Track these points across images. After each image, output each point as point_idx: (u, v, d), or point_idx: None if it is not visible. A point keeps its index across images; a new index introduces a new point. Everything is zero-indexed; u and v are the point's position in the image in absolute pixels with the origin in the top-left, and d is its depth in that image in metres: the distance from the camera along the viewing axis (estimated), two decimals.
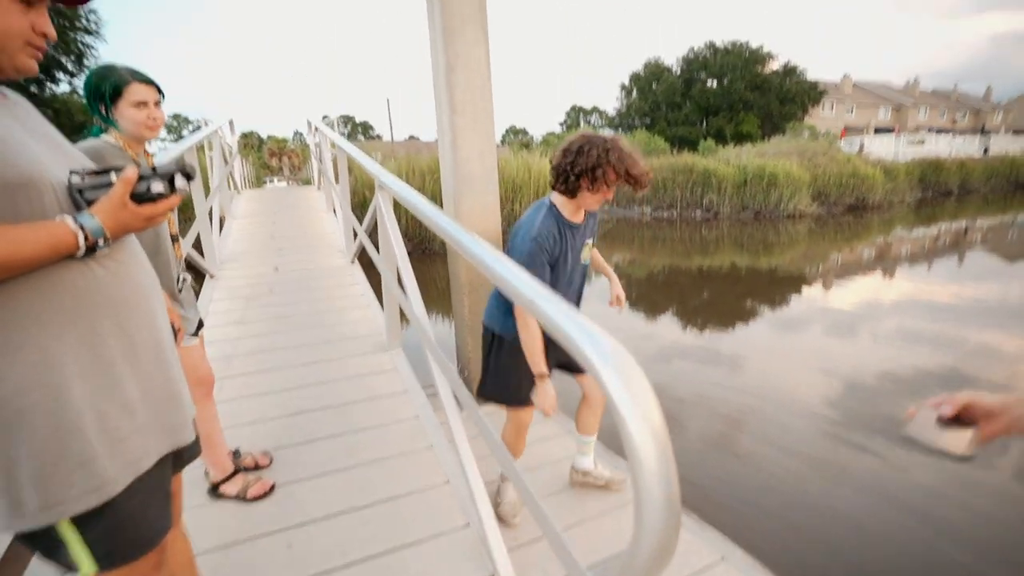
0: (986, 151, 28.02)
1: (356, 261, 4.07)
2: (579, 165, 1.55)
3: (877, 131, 38.15)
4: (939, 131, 38.54)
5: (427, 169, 10.99)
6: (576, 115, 54.36)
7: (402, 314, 2.63)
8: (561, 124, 54.59)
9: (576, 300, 1.86)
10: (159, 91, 1.52)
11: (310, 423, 2.10)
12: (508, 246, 1.69)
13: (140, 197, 0.82)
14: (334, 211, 5.28)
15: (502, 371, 1.83)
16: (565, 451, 2.53)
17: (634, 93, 37.06)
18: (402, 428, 2.10)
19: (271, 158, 35.34)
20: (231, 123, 6.52)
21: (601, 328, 0.79)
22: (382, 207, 2.40)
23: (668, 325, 6.07)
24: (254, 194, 7.36)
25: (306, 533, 1.60)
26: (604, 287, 2.04)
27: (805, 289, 7.93)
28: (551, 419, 2.88)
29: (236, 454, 1.84)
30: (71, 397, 0.77)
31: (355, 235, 4.10)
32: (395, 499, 1.73)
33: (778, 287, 8.10)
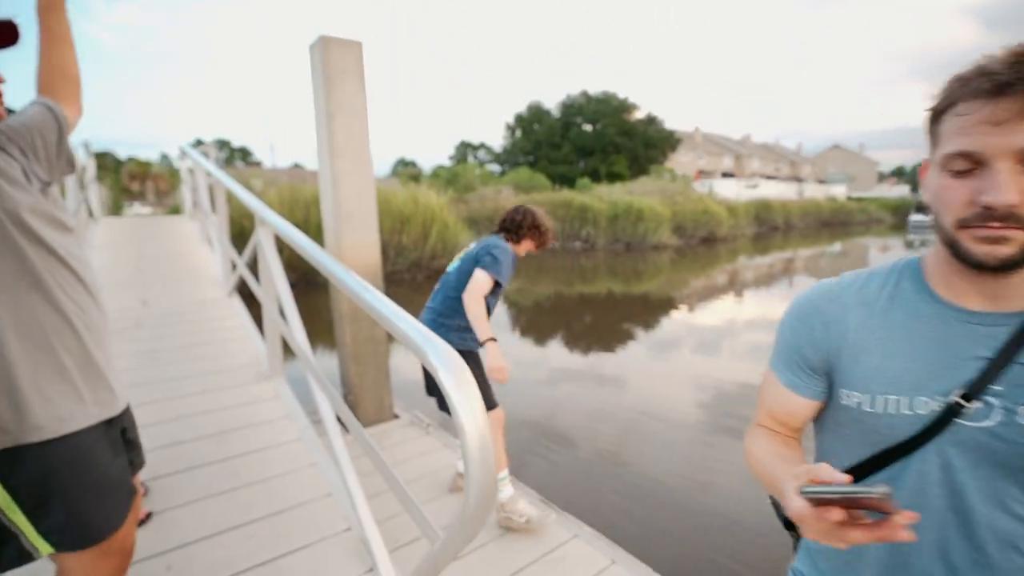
0: (800, 195, 33.75)
1: (235, 293, 3.96)
2: (528, 222, 2.20)
3: (723, 175, 44.18)
4: (768, 178, 45.60)
5: (312, 199, 10.72)
6: (464, 150, 55.69)
7: (286, 347, 2.71)
8: (451, 158, 55.52)
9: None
10: None
11: (187, 452, 2.11)
12: (486, 250, 2.12)
13: None
14: (209, 242, 5.06)
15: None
16: (443, 462, 2.76)
17: (518, 132, 39.05)
18: (284, 450, 2.19)
19: (131, 181, 31.74)
20: (86, 145, 5.97)
21: (439, 339, 1.09)
22: (263, 242, 2.48)
23: (556, 350, 6.27)
24: (115, 223, 6.71)
25: (185, 555, 1.65)
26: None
27: (673, 312, 8.57)
28: (431, 435, 3.10)
29: None
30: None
31: (233, 267, 4.02)
32: (278, 514, 1.83)
33: (650, 311, 8.69)
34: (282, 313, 2.32)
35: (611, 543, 2.10)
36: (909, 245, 20.55)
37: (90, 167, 6.12)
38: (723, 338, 6.63)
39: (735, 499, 2.89)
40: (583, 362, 5.72)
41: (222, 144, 61.29)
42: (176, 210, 12.47)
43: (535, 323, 8.03)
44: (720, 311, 8.48)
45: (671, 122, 42.65)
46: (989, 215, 0.54)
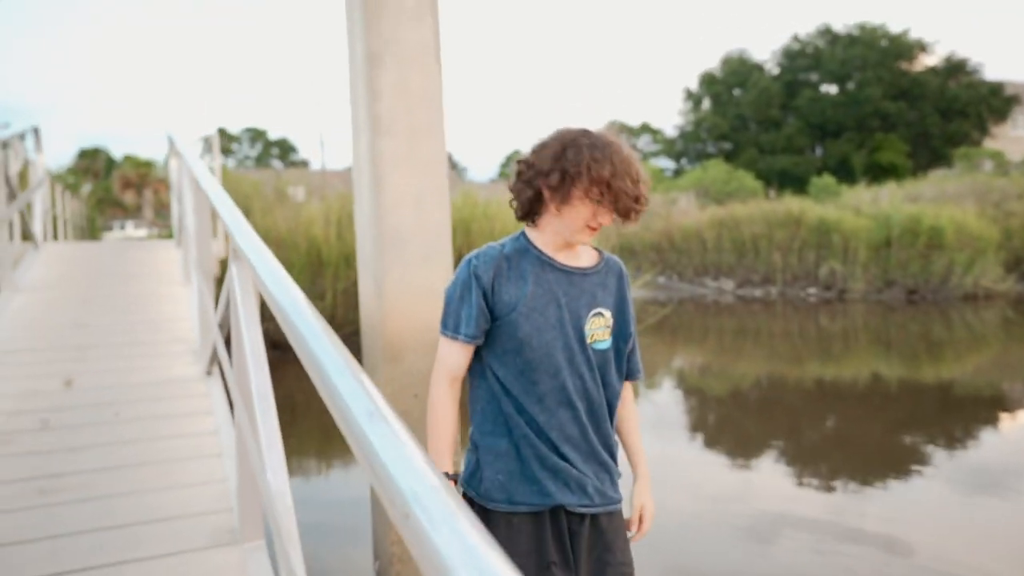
0: None
1: (217, 370, 3.97)
2: (537, 167, 1.73)
3: None
4: None
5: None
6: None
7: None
8: None
9: (584, 419, 1.82)
10: None
11: None
12: None
13: None
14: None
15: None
16: None
17: (705, 103, 39.03)
18: None
19: (123, 191, 36.64)
20: (35, 131, 6.63)
21: None
22: (236, 292, 2.35)
23: (767, 476, 6.22)
24: (69, 251, 7.34)
25: None
26: None
27: (1006, 417, 8.18)
28: None
29: None
30: None
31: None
32: None
33: (958, 413, 8.35)
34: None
35: None
36: None
37: (39, 165, 6.76)
38: None
39: None
40: (822, 503, 5.55)
41: (255, 135, 68.90)
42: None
43: (732, 426, 8.13)
44: None
45: (995, 68, 39.73)
46: None
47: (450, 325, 1.81)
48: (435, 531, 0.55)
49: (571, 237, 1.79)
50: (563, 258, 1.83)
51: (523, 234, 1.86)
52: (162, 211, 34.14)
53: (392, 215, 2.88)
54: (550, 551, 1.76)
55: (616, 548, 1.82)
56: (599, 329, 1.83)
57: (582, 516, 1.79)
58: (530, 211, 1.82)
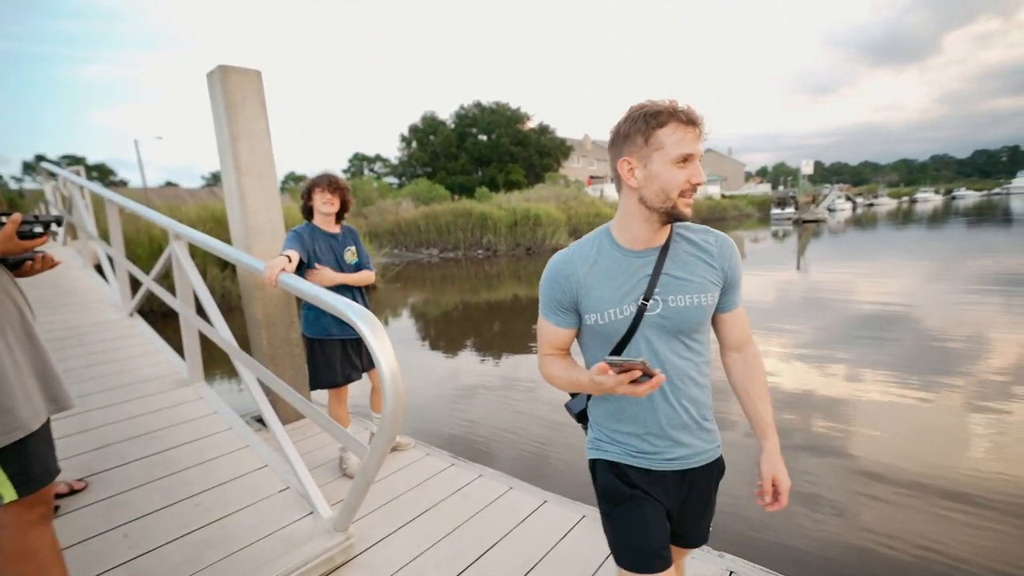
0: None
1: (136, 314, 3.98)
2: (304, 198, 2.48)
3: (613, 180, 47.14)
4: None
5: (196, 219, 10.28)
6: (359, 163, 54.44)
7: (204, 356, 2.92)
8: (344, 171, 53.93)
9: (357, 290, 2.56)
10: None
11: (120, 451, 2.30)
12: None
13: (24, 235, 1.32)
14: (95, 267, 4.91)
15: (319, 364, 2.50)
16: None
17: (414, 144, 38.90)
18: (216, 439, 2.44)
19: None
20: None
21: (360, 306, 1.55)
22: (179, 254, 2.71)
23: (468, 360, 6.30)
24: None
25: (140, 525, 1.91)
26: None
27: None
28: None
29: None
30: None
31: (132, 288, 4.04)
32: (220, 485, 2.13)
33: None
34: (206, 319, 2.58)
35: (510, 477, 2.62)
36: (775, 235, 23.53)
37: None
38: None
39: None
40: (495, 370, 5.71)
41: (73, 161, 54.26)
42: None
43: (444, 333, 8.09)
44: None
45: (562, 131, 45.21)
46: (694, 189, 1.02)
47: (288, 245, 2.31)
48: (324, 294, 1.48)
49: (325, 214, 2.45)
50: (328, 229, 2.49)
51: (308, 223, 2.47)
52: None
53: (252, 217, 3.32)
54: (352, 360, 2.54)
55: None
56: (351, 256, 2.52)
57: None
58: (307, 214, 2.49)
